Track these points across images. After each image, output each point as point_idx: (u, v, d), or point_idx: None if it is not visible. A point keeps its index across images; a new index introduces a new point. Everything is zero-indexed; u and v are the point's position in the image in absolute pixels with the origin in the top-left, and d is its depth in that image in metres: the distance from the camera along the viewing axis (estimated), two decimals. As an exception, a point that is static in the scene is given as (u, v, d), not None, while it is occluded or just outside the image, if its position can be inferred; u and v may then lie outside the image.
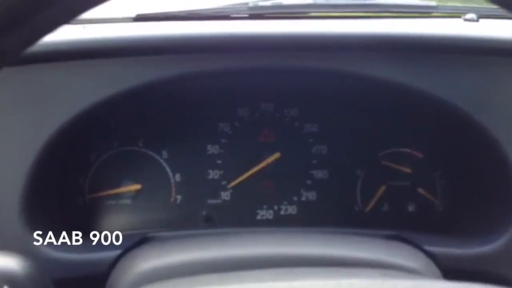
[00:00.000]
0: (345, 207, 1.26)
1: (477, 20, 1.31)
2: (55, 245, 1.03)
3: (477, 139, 1.11)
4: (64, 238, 1.07)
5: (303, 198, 1.26)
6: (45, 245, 1.02)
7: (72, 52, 1.03)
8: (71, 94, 1.03)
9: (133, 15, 1.28)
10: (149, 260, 0.98)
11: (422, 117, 1.21)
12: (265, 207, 1.26)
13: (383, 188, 1.26)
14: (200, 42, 1.07)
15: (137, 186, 1.22)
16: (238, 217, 1.24)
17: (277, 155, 1.24)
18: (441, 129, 1.22)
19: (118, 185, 1.22)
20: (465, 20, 1.33)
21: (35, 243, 1.01)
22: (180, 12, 1.30)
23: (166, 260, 0.98)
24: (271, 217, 1.26)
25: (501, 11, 1.35)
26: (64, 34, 1.04)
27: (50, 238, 1.04)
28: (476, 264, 1.08)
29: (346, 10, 1.36)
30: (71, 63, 1.03)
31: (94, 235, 1.16)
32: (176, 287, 0.81)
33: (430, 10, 1.39)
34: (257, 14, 1.30)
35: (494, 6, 1.20)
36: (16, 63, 0.98)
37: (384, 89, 1.10)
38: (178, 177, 1.23)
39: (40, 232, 1.03)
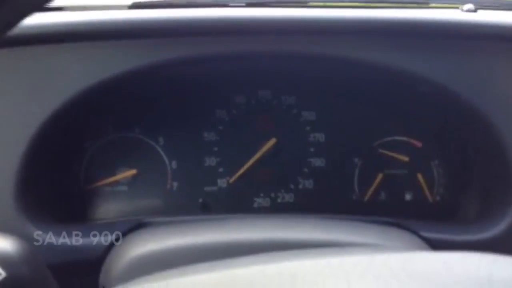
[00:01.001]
0: (342, 195, 1.26)
1: (475, 11, 1.32)
2: (50, 230, 1.02)
3: (474, 125, 1.11)
4: (59, 224, 1.06)
5: (300, 186, 1.25)
6: (39, 230, 1.01)
7: (65, 34, 1.02)
8: (65, 78, 1.02)
9: (128, 3, 1.27)
10: (144, 245, 0.98)
11: (420, 104, 1.21)
12: (262, 194, 1.25)
13: (380, 176, 1.25)
14: (197, 25, 1.06)
15: (133, 171, 1.20)
16: (235, 205, 1.23)
17: (273, 140, 1.23)
18: (438, 117, 1.22)
19: (114, 172, 1.21)
20: (463, 10, 1.33)
21: (29, 228, 1.00)
22: (177, 0, 1.29)
23: (161, 245, 0.97)
24: (268, 204, 1.25)
25: (499, 3, 1.36)
26: (59, 17, 1.03)
27: (45, 223, 1.03)
28: (474, 251, 1.08)
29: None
30: (64, 45, 1.02)
31: (90, 221, 1.15)
32: (169, 278, 0.81)
33: (428, 1, 1.39)
34: (255, 2, 1.29)
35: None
36: (4, 45, 0.97)
37: (383, 76, 1.10)
38: (174, 164, 1.22)
39: (34, 217, 1.02)
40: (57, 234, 1.02)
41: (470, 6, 1.34)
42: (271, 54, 1.08)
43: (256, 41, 1.06)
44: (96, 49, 1.02)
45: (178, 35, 1.04)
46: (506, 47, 1.07)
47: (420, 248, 0.99)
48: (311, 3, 1.36)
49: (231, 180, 1.24)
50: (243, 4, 1.30)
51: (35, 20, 0.96)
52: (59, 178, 1.16)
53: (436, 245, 1.02)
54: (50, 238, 1.01)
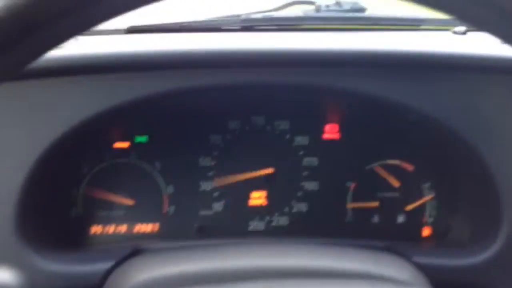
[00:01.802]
0: (335, 219, 1.28)
1: (465, 33, 1.34)
2: (48, 257, 1.04)
3: (462, 152, 1.13)
4: (57, 250, 1.08)
5: (294, 210, 1.27)
6: (38, 257, 1.03)
7: (64, 68, 1.04)
8: (63, 109, 1.04)
9: (125, 26, 1.29)
10: (141, 272, 1.00)
11: (411, 130, 1.23)
12: (256, 218, 1.27)
13: (372, 200, 1.27)
14: (192, 57, 1.08)
15: (130, 202, 1.22)
16: (230, 229, 1.25)
17: (270, 170, 1.25)
18: (428, 142, 1.24)
19: (110, 197, 1.22)
20: (454, 33, 1.35)
21: (28, 255, 1.02)
22: (172, 24, 1.32)
23: (158, 272, 0.99)
24: (262, 228, 1.27)
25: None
26: (56, 51, 1.05)
27: (43, 250, 1.05)
28: (465, 276, 1.10)
29: (336, 23, 1.38)
30: (63, 78, 1.04)
31: (87, 247, 1.17)
32: None
33: (419, 23, 1.41)
34: (248, 26, 1.32)
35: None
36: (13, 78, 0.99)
37: (372, 103, 1.12)
38: (170, 188, 1.24)
39: (33, 245, 1.04)
40: (55, 261, 1.04)
41: (460, 28, 1.36)
42: (264, 84, 1.10)
43: (250, 71, 1.08)
44: (93, 81, 1.04)
45: (173, 67, 1.06)
46: (492, 77, 1.09)
47: (412, 274, 1.01)
48: (303, 26, 1.38)
49: (226, 204, 1.25)
50: (238, 28, 1.33)
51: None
52: (57, 205, 1.18)
53: (427, 270, 1.04)
54: (48, 265, 1.03)
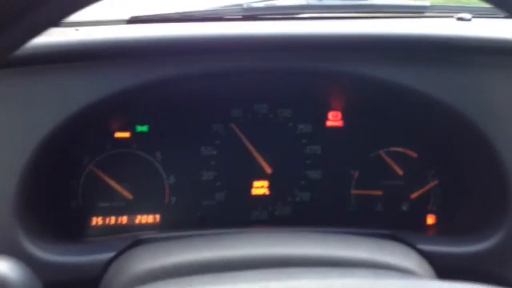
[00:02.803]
0: (339, 207, 1.26)
1: (470, 20, 1.32)
2: (48, 248, 1.03)
3: (468, 137, 1.11)
4: (57, 241, 1.07)
5: (297, 199, 1.26)
6: (37, 248, 1.02)
7: (65, 54, 1.03)
8: (64, 96, 1.03)
9: (126, 17, 1.28)
10: (142, 262, 0.98)
11: (414, 116, 1.21)
12: (259, 208, 1.26)
13: (376, 188, 1.26)
14: (194, 43, 1.07)
15: (131, 193, 1.22)
16: (232, 218, 1.24)
17: (272, 158, 1.24)
18: (433, 128, 1.22)
19: (111, 188, 1.22)
20: (458, 19, 1.33)
21: (27, 246, 1.01)
22: (173, 14, 1.30)
23: (159, 262, 0.98)
24: (265, 217, 1.26)
25: (494, 11, 1.36)
26: (58, 36, 1.04)
27: (43, 241, 1.04)
28: (470, 263, 1.08)
29: (339, 11, 1.36)
30: (64, 65, 1.03)
31: (88, 238, 1.16)
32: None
33: (423, 10, 1.39)
34: (250, 15, 1.30)
35: (487, 6, 1.21)
36: (5, 65, 0.98)
37: (376, 88, 1.10)
38: (172, 178, 1.23)
39: (33, 236, 1.03)
40: (56, 252, 1.03)
41: (464, 15, 1.34)
42: (266, 70, 1.09)
43: (252, 57, 1.07)
44: (95, 68, 1.03)
45: (175, 54, 1.05)
46: (500, 59, 1.07)
47: (416, 261, 1.00)
48: (305, 15, 1.37)
49: (229, 193, 1.24)
50: (239, 17, 1.32)
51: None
52: (57, 195, 1.17)
53: (432, 258, 1.03)
54: (49, 256, 1.02)
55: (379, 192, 1.26)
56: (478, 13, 1.34)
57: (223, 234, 1.07)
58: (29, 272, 0.77)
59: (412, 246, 1.06)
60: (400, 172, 1.26)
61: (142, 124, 1.22)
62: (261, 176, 1.25)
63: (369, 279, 0.80)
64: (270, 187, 1.25)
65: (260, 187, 1.25)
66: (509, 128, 1.06)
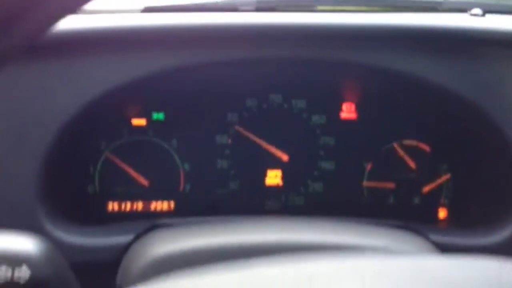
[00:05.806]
0: (351, 198, 1.27)
1: (483, 15, 1.33)
2: (69, 230, 1.05)
3: (482, 129, 1.13)
4: (76, 224, 1.09)
5: (310, 189, 1.27)
6: (58, 229, 1.03)
7: (82, 42, 1.05)
8: (82, 83, 1.05)
9: (141, 7, 1.29)
10: (160, 246, 1.00)
11: (429, 109, 1.22)
12: (272, 197, 1.27)
13: (389, 180, 1.27)
14: (210, 32, 1.08)
15: (146, 179, 1.23)
16: (246, 207, 1.25)
17: (286, 148, 1.25)
18: (447, 121, 1.23)
19: (127, 174, 1.23)
20: (471, 15, 1.34)
21: (49, 227, 1.03)
22: (188, 5, 1.32)
23: (176, 246, 0.99)
24: (278, 207, 1.27)
25: (507, 7, 1.37)
26: (76, 24, 1.06)
27: (63, 223, 1.06)
28: (482, 255, 1.09)
29: (353, 4, 1.37)
30: (82, 53, 1.05)
31: (106, 221, 1.17)
32: (186, 278, 0.82)
33: (436, 5, 1.40)
34: (264, 7, 1.31)
35: (500, 2, 1.23)
36: (25, 53, 1.00)
37: (391, 80, 1.12)
38: (187, 166, 1.24)
39: (54, 216, 1.05)
40: (76, 234, 1.05)
41: (478, 10, 1.35)
42: (281, 60, 1.10)
43: (267, 47, 1.08)
44: (112, 55, 1.05)
45: (190, 42, 1.06)
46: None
47: (430, 252, 1.01)
48: (319, 7, 1.38)
49: (242, 182, 1.26)
50: (253, 8, 1.33)
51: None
52: (76, 180, 1.19)
53: (445, 249, 1.04)
54: (69, 238, 1.04)
55: (392, 185, 1.27)
56: (491, 9, 1.35)
57: (239, 221, 1.08)
58: (56, 250, 0.79)
59: (426, 237, 1.07)
60: (412, 165, 1.27)
61: (158, 111, 1.23)
62: (275, 165, 1.26)
63: (382, 257, 0.81)
64: (283, 178, 1.27)
65: (273, 177, 1.26)
66: None
